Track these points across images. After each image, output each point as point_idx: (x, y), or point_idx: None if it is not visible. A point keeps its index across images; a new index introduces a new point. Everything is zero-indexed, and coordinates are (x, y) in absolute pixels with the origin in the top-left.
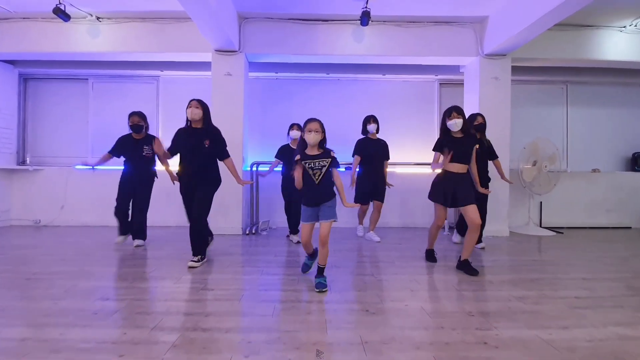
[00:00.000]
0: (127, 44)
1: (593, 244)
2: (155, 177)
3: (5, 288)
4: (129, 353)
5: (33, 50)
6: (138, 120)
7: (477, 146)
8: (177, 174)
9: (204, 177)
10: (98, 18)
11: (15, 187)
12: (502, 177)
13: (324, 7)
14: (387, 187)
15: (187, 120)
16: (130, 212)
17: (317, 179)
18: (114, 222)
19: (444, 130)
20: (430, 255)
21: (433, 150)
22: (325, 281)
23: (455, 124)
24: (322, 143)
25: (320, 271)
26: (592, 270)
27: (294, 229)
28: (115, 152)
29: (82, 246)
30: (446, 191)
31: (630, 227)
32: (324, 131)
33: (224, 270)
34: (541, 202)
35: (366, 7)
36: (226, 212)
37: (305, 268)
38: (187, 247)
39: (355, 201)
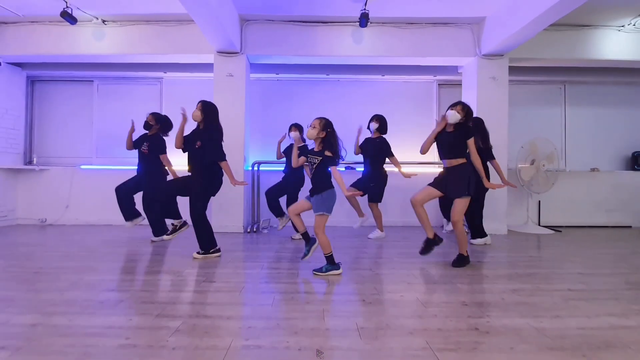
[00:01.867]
0: (131, 46)
1: (592, 242)
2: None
3: (13, 281)
4: (134, 336)
5: (40, 52)
6: (150, 119)
7: (473, 140)
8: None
9: (196, 178)
10: (104, 21)
11: (21, 186)
12: (503, 180)
13: (324, 9)
14: (408, 178)
15: None
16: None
17: (311, 171)
18: (118, 221)
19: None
20: (429, 245)
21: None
22: (326, 269)
23: (451, 115)
24: (324, 141)
25: (328, 259)
26: (589, 265)
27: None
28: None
29: (86, 244)
30: (442, 177)
31: (631, 227)
32: (323, 129)
33: (225, 265)
34: (540, 201)
35: (365, 9)
36: (228, 210)
37: (303, 255)
38: (193, 244)
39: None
